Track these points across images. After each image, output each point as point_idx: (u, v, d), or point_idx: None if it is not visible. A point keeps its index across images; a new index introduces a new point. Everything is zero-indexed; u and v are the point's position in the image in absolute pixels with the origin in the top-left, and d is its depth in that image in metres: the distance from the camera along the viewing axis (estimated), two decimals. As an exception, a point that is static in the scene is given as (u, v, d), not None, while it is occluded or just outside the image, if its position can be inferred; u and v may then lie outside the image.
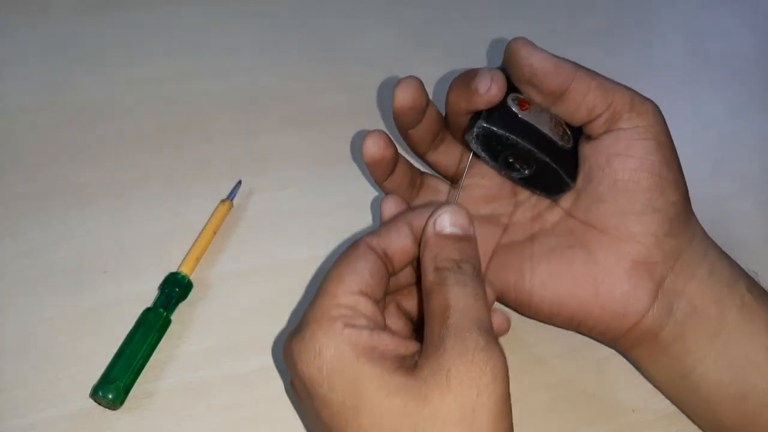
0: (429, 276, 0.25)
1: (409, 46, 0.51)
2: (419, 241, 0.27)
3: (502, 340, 0.31)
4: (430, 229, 0.26)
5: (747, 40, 0.58)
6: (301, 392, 0.25)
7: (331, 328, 0.24)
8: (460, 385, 0.22)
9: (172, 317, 0.33)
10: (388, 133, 0.31)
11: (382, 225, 0.28)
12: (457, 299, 0.24)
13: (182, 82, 0.45)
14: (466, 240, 0.26)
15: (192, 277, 0.34)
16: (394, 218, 0.28)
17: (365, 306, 0.25)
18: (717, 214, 0.42)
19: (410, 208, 0.30)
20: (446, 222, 0.26)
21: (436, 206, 0.27)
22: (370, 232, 0.27)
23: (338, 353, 0.23)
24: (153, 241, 0.36)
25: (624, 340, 0.30)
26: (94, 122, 0.42)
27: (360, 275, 0.25)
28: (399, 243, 0.27)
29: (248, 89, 0.46)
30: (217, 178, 0.39)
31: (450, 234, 0.26)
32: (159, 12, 0.50)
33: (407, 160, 0.33)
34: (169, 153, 0.41)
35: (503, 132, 0.29)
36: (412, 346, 0.25)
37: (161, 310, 0.32)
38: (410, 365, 0.24)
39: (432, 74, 0.47)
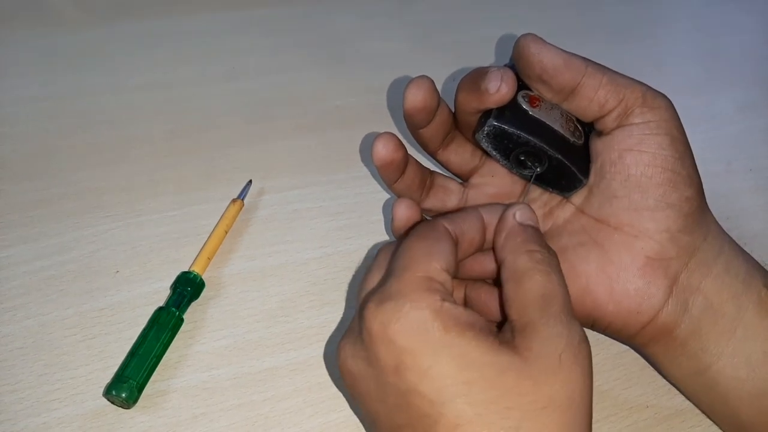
0: (521, 259, 0.26)
1: (419, 46, 0.51)
2: (493, 233, 0.28)
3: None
4: (511, 219, 0.28)
5: (758, 36, 0.58)
6: (385, 369, 0.24)
7: (433, 302, 0.23)
8: (570, 372, 0.23)
9: (185, 316, 0.33)
10: (398, 135, 0.31)
11: (453, 214, 0.28)
12: (559, 286, 0.25)
13: (193, 87, 0.46)
14: (541, 234, 0.28)
15: (204, 277, 0.34)
16: (466, 209, 0.29)
17: (450, 285, 0.25)
18: (731, 210, 0.41)
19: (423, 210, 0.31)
20: (526, 215, 0.28)
21: (507, 204, 0.28)
22: (444, 217, 0.28)
23: (444, 326, 0.23)
24: (165, 241, 0.36)
25: (639, 337, 0.30)
26: (106, 128, 0.42)
27: (446, 255, 0.25)
28: (471, 232, 0.27)
29: (258, 93, 0.46)
30: (229, 181, 0.39)
31: (530, 225, 0.28)
32: (169, 19, 0.51)
33: (417, 161, 0.33)
34: (180, 156, 0.41)
35: (514, 130, 0.29)
36: (493, 326, 0.25)
37: (173, 309, 0.32)
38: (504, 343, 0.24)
39: (442, 72, 0.48)
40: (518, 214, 0.28)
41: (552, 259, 0.26)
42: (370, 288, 0.26)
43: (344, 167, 0.42)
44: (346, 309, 0.35)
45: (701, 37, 0.57)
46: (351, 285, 0.36)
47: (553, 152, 0.29)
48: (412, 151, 0.33)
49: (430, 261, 0.25)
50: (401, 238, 0.28)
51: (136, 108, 0.44)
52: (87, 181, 0.39)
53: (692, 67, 0.54)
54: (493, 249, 0.28)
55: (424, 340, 0.23)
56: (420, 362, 0.23)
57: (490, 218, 0.28)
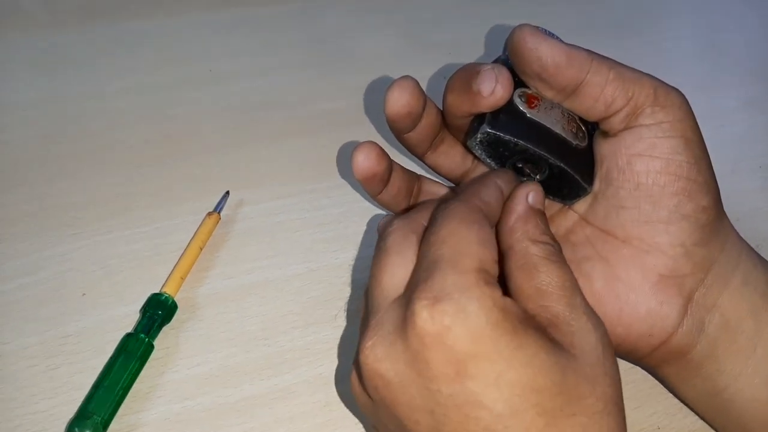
0: (534, 248, 0.24)
1: (412, 44, 0.49)
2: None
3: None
4: (524, 201, 0.25)
5: (762, 30, 0.56)
6: (440, 376, 0.21)
7: (498, 299, 0.21)
8: (612, 369, 0.22)
9: (155, 342, 0.30)
10: (386, 139, 0.28)
11: (473, 187, 0.26)
12: (573, 276, 0.24)
13: (170, 92, 0.43)
14: (548, 220, 0.26)
15: (177, 298, 0.32)
16: (481, 180, 0.26)
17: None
18: (740, 212, 0.39)
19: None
20: (539, 199, 0.26)
21: (519, 179, 0.27)
22: (470, 193, 0.25)
23: (512, 327, 0.21)
24: (137, 260, 0.34)
25: (650, 359, 0.28)
26: (77, 138, 0.40)
27: (494, 241, 0.23)
28: (495, 210, 0.25)
29: (240, 97, 0.43)
30: (207, 192, 0.37)
31: (541, 210, 0.25)
32: (145, 21, 0.48)
33: (402, 168, 0.30)
34: (155, 167, 0.38)
35: (510, 137, 0.26)
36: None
37: (142, 335, 0.30)
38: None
39: (437, 70, 0.45)
40: (532, 197, 0.25)
41: (560, 249, 0.25)
42: (398, 280, 0.23)
43: (331, 174, 0.39)
44: (335, 328, 0.32)
45: (703, 30, 0.54)
46: (335, 302, 0.33)
47: (554, 159, 0.27)
48: (398, 155, 0.31)
49: (484, 250, 0.22)
50: (416, 216, 0.25)
51: (109, 116, 0.41)
52: (55, 196, 0.36)
53: (694, 61, 0.52)
54: (497, 228, 0.25)
55: (494, 343, 0.20)
56: (489, 369, 0.20)
57: (506, 191, 0.26)
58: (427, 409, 0.21)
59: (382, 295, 0.23)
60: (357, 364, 0.23)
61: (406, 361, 0.21)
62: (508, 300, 0.21)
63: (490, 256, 0.22)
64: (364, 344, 0.22)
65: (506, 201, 0.26)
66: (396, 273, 0.23)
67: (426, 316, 0.20)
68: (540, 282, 0.23)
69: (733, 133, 0.46)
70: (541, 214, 0.25)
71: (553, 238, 0.25)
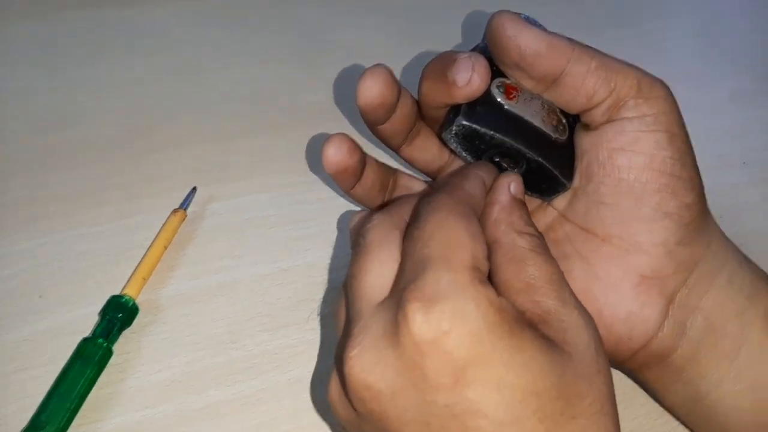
0: (521, 240, 0.23)
1: (386, 36, 0.47)
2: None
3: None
4: (507, 192, 0.24)
5: (748, 21, 0.55)
6: (436, 385, 0.19)
7: (494, 299, 0.20)
8: (606, 365, 0.21)
9: (115, 347, 0.29)
10: (359, 132, 0.27)
11: (456, 179, 0.24)
12: (559, 269, 0.23)
13: (141, 84, 0.41)
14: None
15: (139, 300, 0.30)
16: (462, 172, 0.25)
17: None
18: (723, 207, 0.38)
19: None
20: (520, 189, 0.25)
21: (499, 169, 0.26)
22: (455, 185, 0.24)
23: (510, 328, 0.19)
24: (99, 260, 0.32)
25: (630, 363, 0.27)
26: (42, 131, 0.38)
27: (482, 237, 0.21)
28: (479, 203, 0.24)
29: (213, 89, 0.42)
30: (175, 188, 0.35)
31: (522, 201, 0.25)
32: (116, 10, 0.46)
33: (376, 161, 0.29)
34: (122, 162, 0.37)
35: (487, 130, 0.25)
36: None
37: (100, 340, 0.28)
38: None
39: (404, 59, 0.44)
40: (513, 187, 0.25)
41: (544, 241, 0.24)
42: (383, 281, 0.21)
43: (304, 169, 0.38)
44: (307, 331, 0.31)
45: (692, 23, 0.53)
46: (308, 304, 0.32)
47: (532, 154, 0.25)
48: (373, 149, 0.29)
49: (476, 245, 0.21)
50: (398, 207, 0.24)
51: (77, 108, 0.39)
52: (13, 191, 0.34)
53: (679, 53, 0.51)
54: (480, 221, 0.24)
55: (493, 347, 0.19)
56: (489, 374, 0.19)
57: (487, 182, 0.25)
58: (421, 422, 0.20)
59: (366, 297, 0.21)
60: (341, 374, 0.21)
61: (399, 370, 0.19)
62: (503, 300, 0.20)
63: (481, 251, 0.21)
64: (349, 353, 0.20)
65: (488, 192, 0.25)
66: (380, 273, 0.21)
67: (421, 321, 0.19)
68: (529, 276, 0.22)
69: (717, 128, 0.45)
70: (523, 204, 0.25)
71: (536, 229, 0.24)
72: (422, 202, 0.23)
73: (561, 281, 0.22)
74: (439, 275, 0.19)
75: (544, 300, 0.22)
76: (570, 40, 0.24)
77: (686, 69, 0.49)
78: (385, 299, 0.21)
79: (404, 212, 0.23)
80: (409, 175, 0.31)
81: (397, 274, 0.21)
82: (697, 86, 0.48)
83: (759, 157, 0.43)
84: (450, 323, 0.19)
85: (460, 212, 0.22)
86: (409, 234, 0.22)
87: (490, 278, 0.22)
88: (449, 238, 0.21)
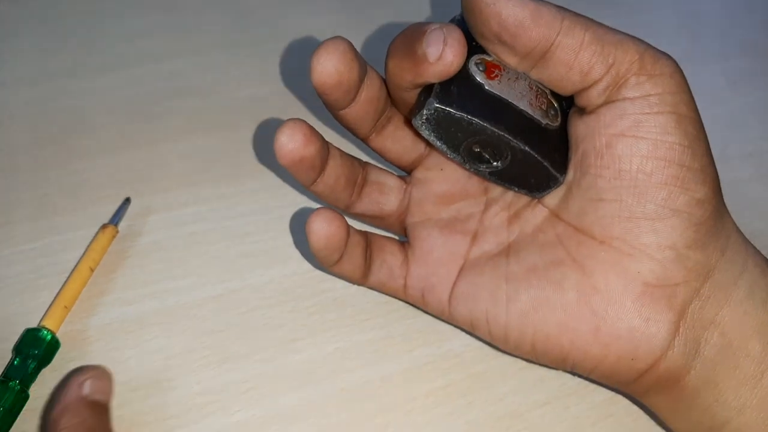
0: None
1: (354, 19, 0.43)
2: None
3: (465, 388, 0.26)
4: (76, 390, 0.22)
5: (749, 2, 0.52)
6: None
7: None
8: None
9: (31, 390, 0.24)
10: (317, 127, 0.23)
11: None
12: None
13: (62, 81, 0.36)
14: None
15: (60, 332, 0.26)
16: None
17: None
18: (729, 203, 0.35)
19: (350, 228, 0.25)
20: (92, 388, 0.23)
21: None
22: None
23: None
24: (14, 287, 0.28)
25: (635, 387, 0.23)
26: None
27: None
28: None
29: (144, 84, 0.37)
30: (104, 200, 0.31)
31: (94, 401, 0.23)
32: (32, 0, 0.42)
33: (342, 153, 0.25)
34: (42, 171, 0.32)
35: (463, 114, 0.21)
36: None
37: (13, 382, 0.24)
38: None
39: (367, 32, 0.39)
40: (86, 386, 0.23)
41: None
42: None
43: (256, 174, 0.33)
44: (259, 362, 0.26)
45: (684, 2, 0.50)
46: (259, 331, 0.27)
47: (518, 142, 0.22)
48: (340, 140, 0.25)
49: None
50: None
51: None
52: None
53: (673, 34, 0.47)
54: None
55: None
56: None
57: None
58: None
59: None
60: None
61: None
62: None
63: None
64: None
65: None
66: None
67: None
68: None
69: (720, 116, 0.41)
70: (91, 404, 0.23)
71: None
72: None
73: None
74: None
75: None
76: (559, 8, 0.21)
77: (677, 51, 0.46)
78: None
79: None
80: (381, 169, 0.27)
81: None
82: (691, 69, 0.44)
83: (766, 147, 0.40)
84: None
85: None
86: None
87: None
88: None
